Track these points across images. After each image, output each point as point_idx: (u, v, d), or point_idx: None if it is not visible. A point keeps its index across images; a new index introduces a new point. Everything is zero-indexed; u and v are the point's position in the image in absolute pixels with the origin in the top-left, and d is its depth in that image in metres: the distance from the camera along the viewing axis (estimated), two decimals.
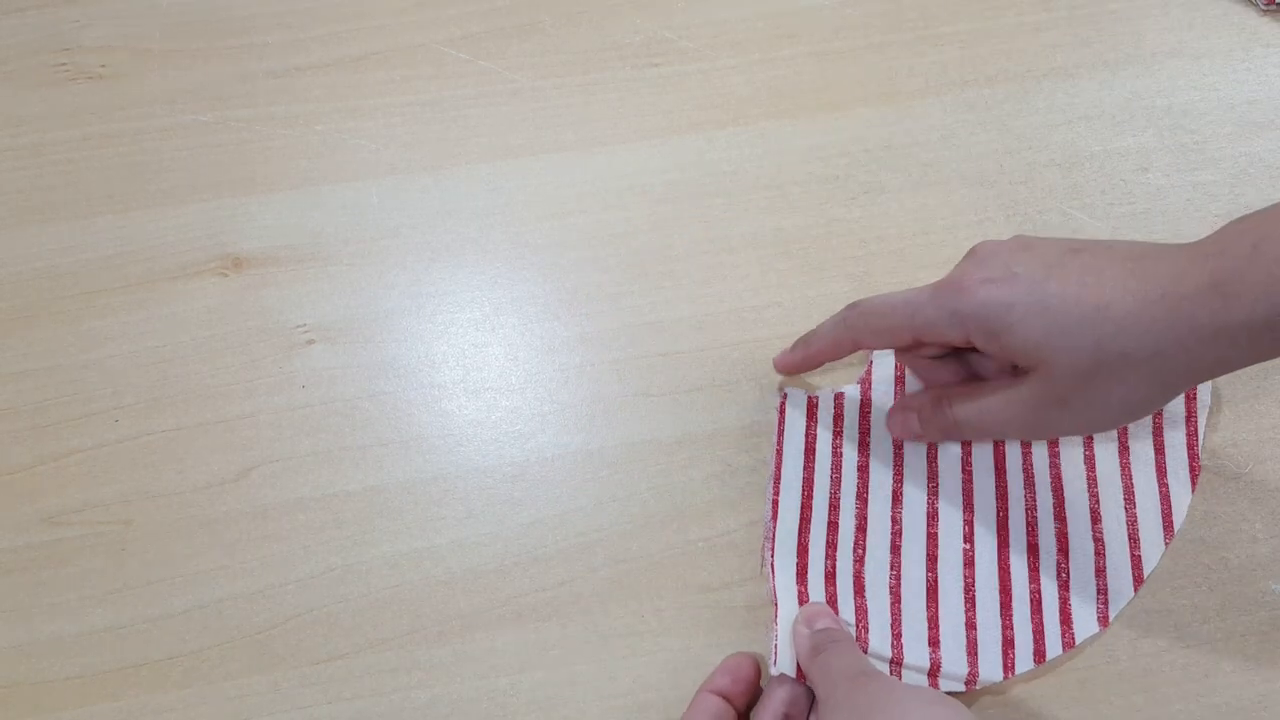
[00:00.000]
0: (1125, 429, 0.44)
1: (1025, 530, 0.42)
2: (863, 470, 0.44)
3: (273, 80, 0.56)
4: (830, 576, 0.41)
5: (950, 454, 0.44)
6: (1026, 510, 0.43)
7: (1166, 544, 0.42)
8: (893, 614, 0.40)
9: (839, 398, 0.46)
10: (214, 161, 0.54)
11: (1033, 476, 0.43)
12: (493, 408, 0.47)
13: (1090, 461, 0.43)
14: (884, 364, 0.46)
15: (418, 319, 0.49)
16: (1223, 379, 0.46)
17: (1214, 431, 0.45)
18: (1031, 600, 0.41)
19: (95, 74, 0.57)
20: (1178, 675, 0.40)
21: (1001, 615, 0.40)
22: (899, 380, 0.46)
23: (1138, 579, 0.41)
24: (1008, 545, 0.42)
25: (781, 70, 0.56)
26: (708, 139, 0.54)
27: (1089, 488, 0.43)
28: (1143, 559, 0.41)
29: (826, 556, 0.42)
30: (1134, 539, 0.42)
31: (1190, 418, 0.44)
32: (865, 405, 0.46)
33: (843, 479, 0.44)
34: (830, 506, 0.43)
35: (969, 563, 0.42)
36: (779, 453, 0.45)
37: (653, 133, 0.54)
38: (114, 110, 0.55)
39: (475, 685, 0.40)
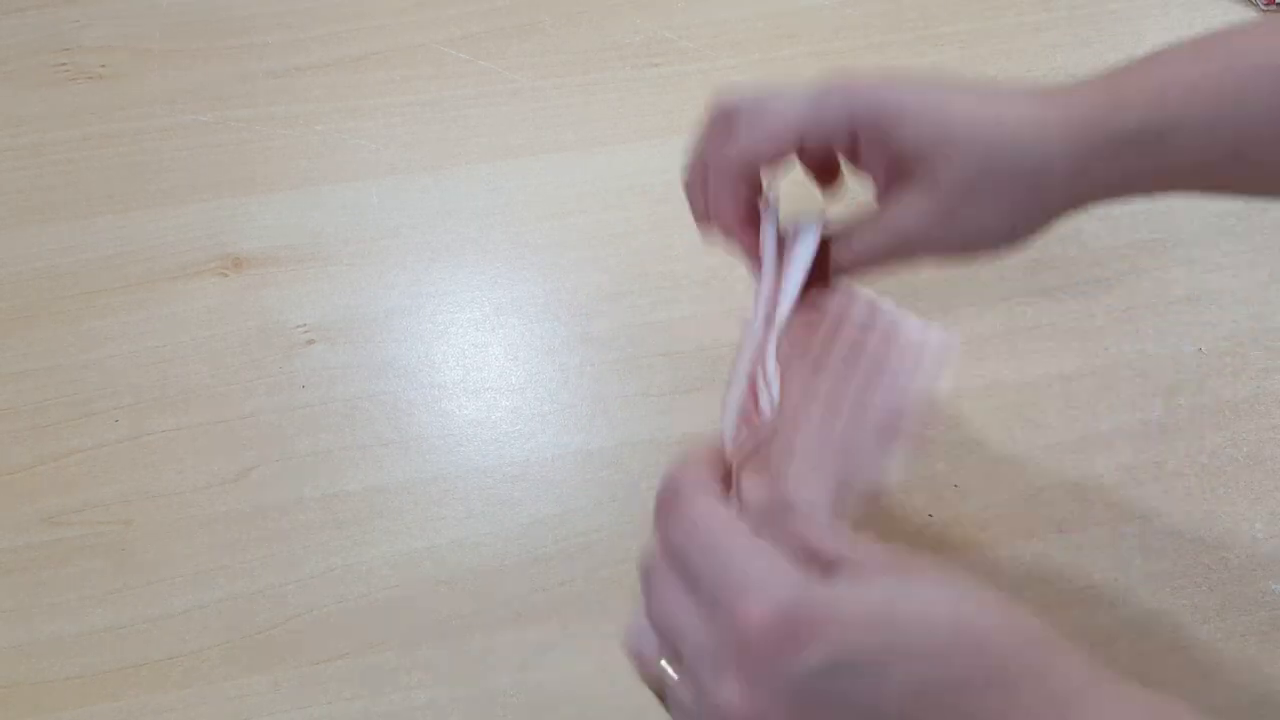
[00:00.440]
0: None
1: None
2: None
3: (273, 80, 0.56)
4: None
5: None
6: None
7: None
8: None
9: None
10: (214, 161, 0.54)
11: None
12: (493, 408, 0.47)
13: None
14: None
15: (418, 319, 0.49)
16: (1222, 379, 0.46)
17: (1214, 431, 0.45)
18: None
19: (95, 74, 0.57)
20: (1178, 675, 0.40)
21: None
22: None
23: None
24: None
25: (781, 70, 0.56)
26: None
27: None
28: None
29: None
30: None
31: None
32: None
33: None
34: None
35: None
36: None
37: (653, 133, 0.54)
38: (114, 110, 0.55)
39: (475, 685, 0.40)
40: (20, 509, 0.44)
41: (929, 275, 0.50)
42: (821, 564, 0.28)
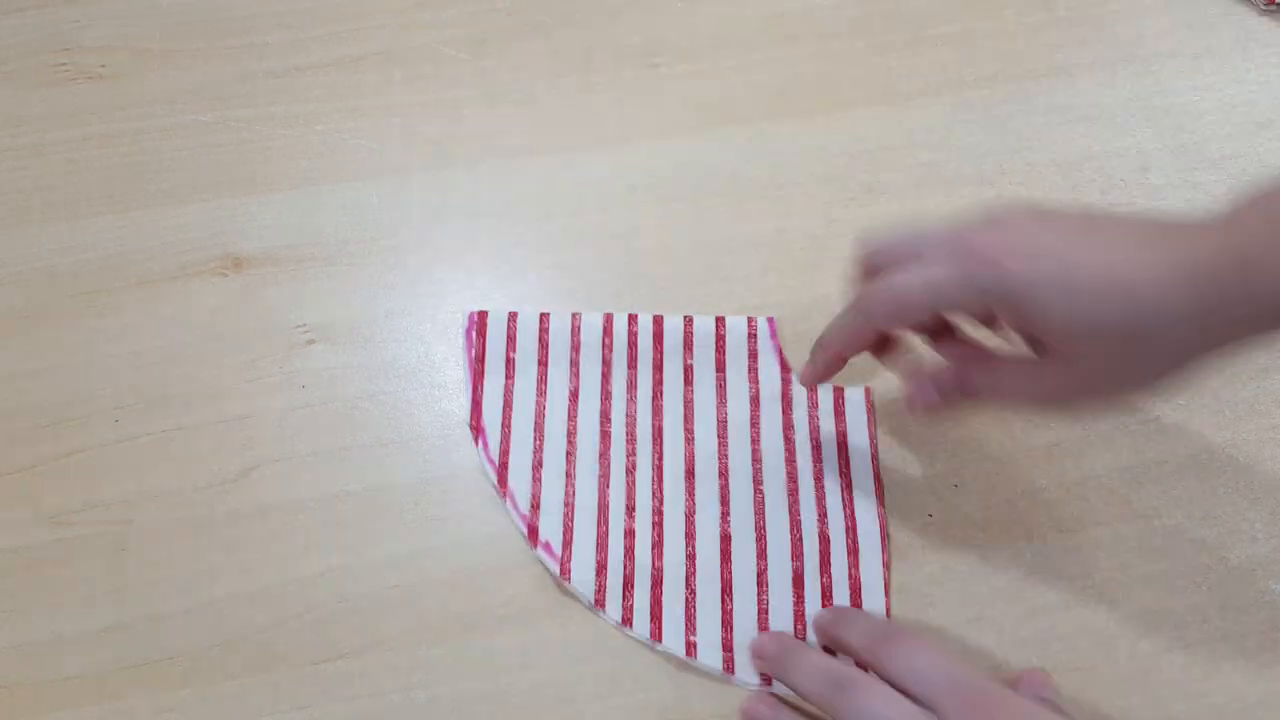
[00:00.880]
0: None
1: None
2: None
3: (273, 80, 0.56)
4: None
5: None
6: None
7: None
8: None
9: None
10: (214, 161, 0.54)
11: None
12: None
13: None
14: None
15: (418, 319, 0.49)
16: (1222, 379, 0.46)
17: (1215, 431, 0.45)
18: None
19: (95, 74, 0.57)
20: (1178, 675, 0.40)
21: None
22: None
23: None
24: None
25: (781, 70, 0.56)
26: (708, 139, 0.54)
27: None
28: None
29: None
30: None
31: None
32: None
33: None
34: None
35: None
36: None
37: (653, 133, 0.54)
38: (114, 110, 0.55)
39: (475, 685, 0.40)
40: (20, 509, 0.44)
41: None
42: None
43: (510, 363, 0.46)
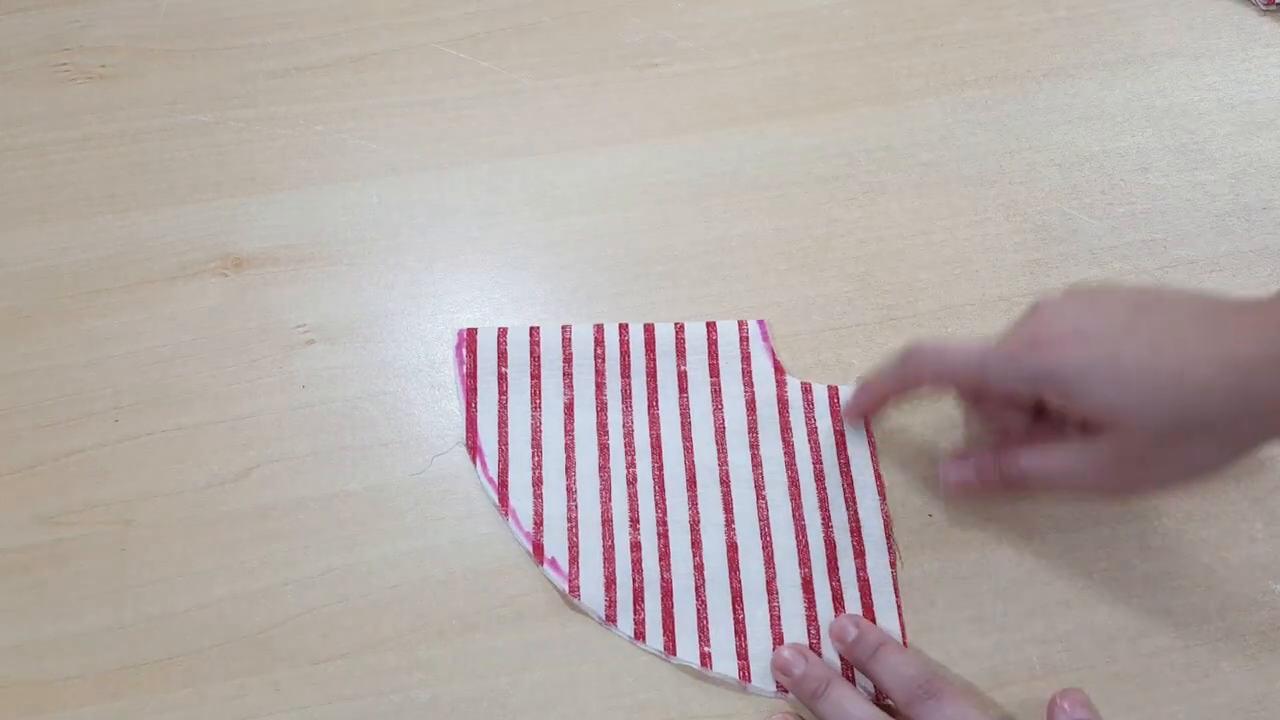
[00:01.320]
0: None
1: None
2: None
3: (273, 80, 0.56)
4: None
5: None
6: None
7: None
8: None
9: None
10: (214, 161, 0.54)
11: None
12: None
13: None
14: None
15: (418, 319, 0.49)
16: None
17: None
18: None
19: (95, 74, 0.57)
20: (1178, 675, 0.40)
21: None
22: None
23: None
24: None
25: (781, 70, 0.56)
26: (708, 139, 0.54)
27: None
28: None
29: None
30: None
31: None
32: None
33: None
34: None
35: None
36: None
37: (653, 133, 0.54)
38: (114, 110, 0.55)
39: (475, 685, 0.40)
40: (20, 509, 0.44)
41: (928, 276, 0.50)
42: None
43: (503, 378, 0.46)
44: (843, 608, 0.41)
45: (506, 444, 0.45)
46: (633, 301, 0.49)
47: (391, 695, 0.40)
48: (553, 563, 0.42)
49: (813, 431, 0.45)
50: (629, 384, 0.46)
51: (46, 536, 0.43)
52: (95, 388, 0.47)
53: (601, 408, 0.45)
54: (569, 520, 0.43)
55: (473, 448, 0.45)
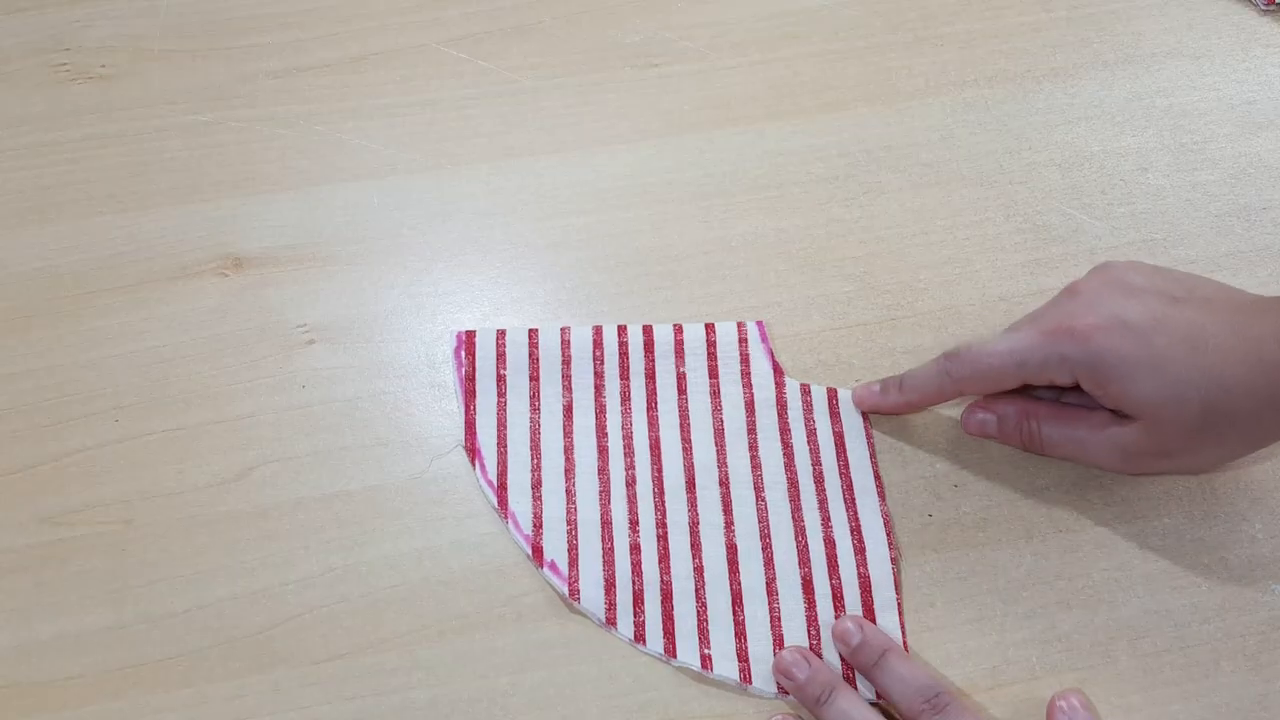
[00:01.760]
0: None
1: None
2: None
3: (273, 80, 0.56)
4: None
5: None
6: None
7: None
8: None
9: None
10: (214, 161, 0.54)
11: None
12: None
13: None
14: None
15: (418, 319, 0.49)
16: None
17: None
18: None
19: (95, 74, 0.57)
20: (1178, 675, 0.40)
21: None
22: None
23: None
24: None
25: (781, 70, 0.56)
26: (708, 139, 0.54)
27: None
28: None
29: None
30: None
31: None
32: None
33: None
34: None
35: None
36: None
37: (653, 133, 0.54)
38: (114, 110, 0.55)
39: (475, 685, 0.40)
40: (20, 509, 0.44)
41: (928, 276, 0.50)
42: None
43: (501, 380, 0.46)
44: (843, 609, 0.41)
45: (505, 446, 0.45)
46: (633, 301, 0.49)
47: (391, 695, 0.40)
48: (552, 565, 0.42)
49: (812, 433, 0.45)
50: (628, 386, 0.46)
51: (46, 536, 0.43)
52: (95, 388, 0.47)
53: (600, 410, 0.45)
54: (568, 523, 0.43)
55: (471, 450, 0.45)
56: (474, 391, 0.46)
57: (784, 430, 0.45)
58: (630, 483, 0.44)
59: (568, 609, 0.42)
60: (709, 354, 0.46)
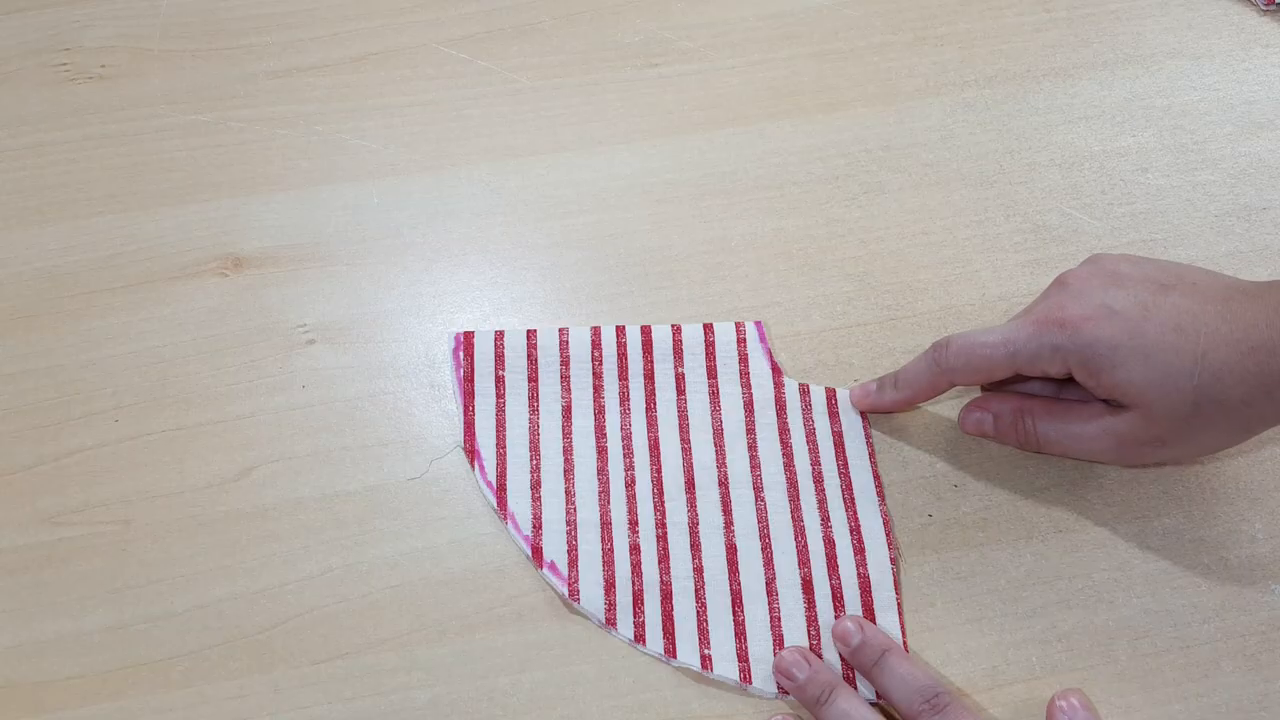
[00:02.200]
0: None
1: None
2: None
3: (273, 80, 0.56)
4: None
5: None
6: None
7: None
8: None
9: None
10: (214, 161, 0.54)
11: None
12: None
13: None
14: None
15: (418, 319, 0.49)
16: None
17: None
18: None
19: (95, 74, 0.57)
20: (1178, 675, 0.40)
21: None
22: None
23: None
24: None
25: (781, 70, 0.56)
26: (708, 139, 0.54)
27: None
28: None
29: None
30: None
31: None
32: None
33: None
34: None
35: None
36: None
37: (653, 133, 0.54)
38: (114, 110, 0.55)
39: (475, 685, 0.40)
40: (20, 509, 0.44)
41: (928, 276, 0.50)
42: None
43: (500, 381, 0.46)
44: (843, 609, 0.41)
45: (504, 448, 0.45)
46: (633, 301, 0.49)
47: (391, 695, 0.40)
48: (552, 566, 0.42)
49: (811, 433, 0.45)
50: (626, 386, 0.46)
51: (46, 536, 0.43)
52: (95, 388, 0.47)
53: (599, 411, 0.45)
54: (568, 523, 0.43)
55: (471, 452, 0.45)
56: (472, 393, 0.46)
57: (783, 430, 0.45)
58: (629, 483, 0.44)
59: (567, 609, 0.42)
60: (707, 354, 0.46)
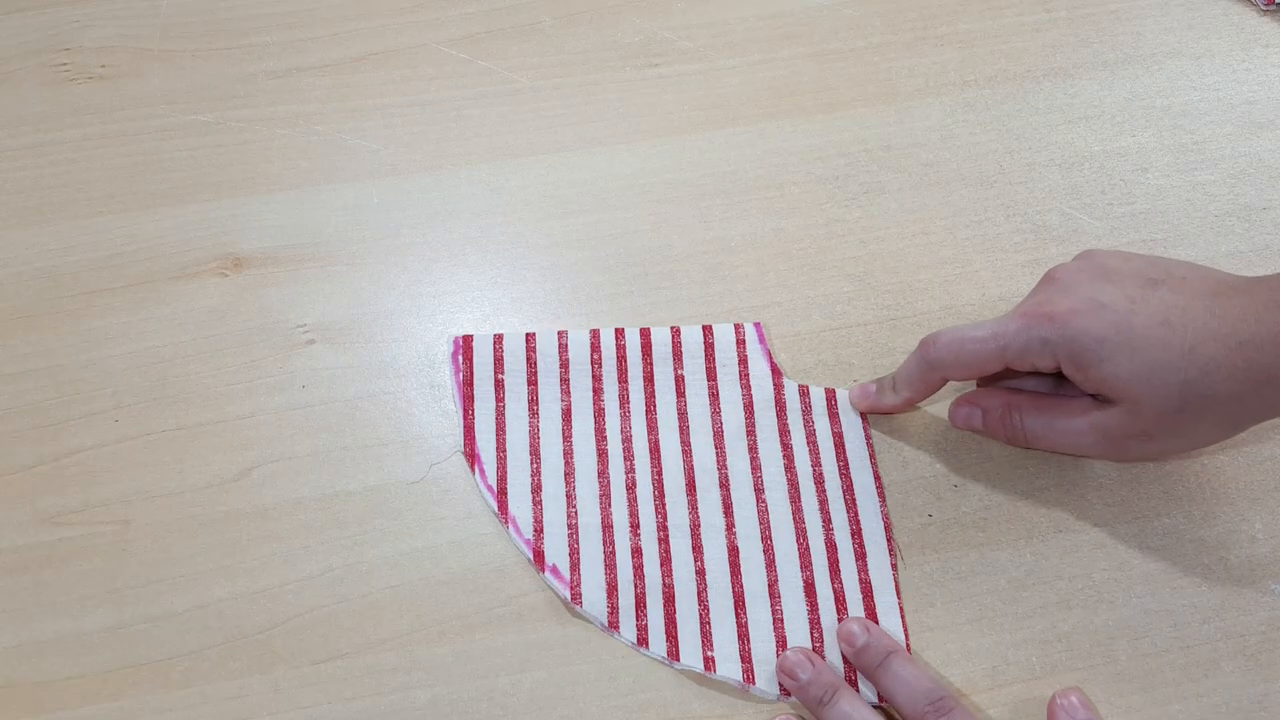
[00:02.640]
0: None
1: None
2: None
3: (273, 80, 0.56)
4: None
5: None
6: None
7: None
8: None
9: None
10: (214, 161, 0.54)
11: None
12: None
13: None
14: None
15: (418, 319, 0.49)
16: None
17: None
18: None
19: (95, 74, 0.57)
20: (1178, 675, 0.40)
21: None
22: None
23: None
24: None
25: (781, 70, 0.56)
26: (708, 139, 0.54)
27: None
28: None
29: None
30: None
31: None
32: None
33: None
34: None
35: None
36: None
37: (653, 133, 0.54)
38: (114, 110, 0.55)
39: (475, 685, 0.40)
40: (20, 509, 0.44)
41: (928, 276, 0.50)
42: None
43: (499, 384, 0.46)
44: (845, 610, 0.41)
45: (505, 451, 0.45)
46: (633, 302, 0.49)
47: (391, 695, 0.40)
48: (554, 570, 0.42)
49: (811, 434, 0.45)
50: (626, 389, 0.46)
51: (46, 536, 0.43)
52: (95, 388, 0.47)
53: (599, 413, 0.45)
54: (569, 527, 0.43)
55: (471, 455, 0.45)
56: (472, 397, 0.46)
57: (783, 431, 0.45)
58: (630, 486, 0.44)
59: (568, 611, 0.42)
60: (707, 356, 0.46)
